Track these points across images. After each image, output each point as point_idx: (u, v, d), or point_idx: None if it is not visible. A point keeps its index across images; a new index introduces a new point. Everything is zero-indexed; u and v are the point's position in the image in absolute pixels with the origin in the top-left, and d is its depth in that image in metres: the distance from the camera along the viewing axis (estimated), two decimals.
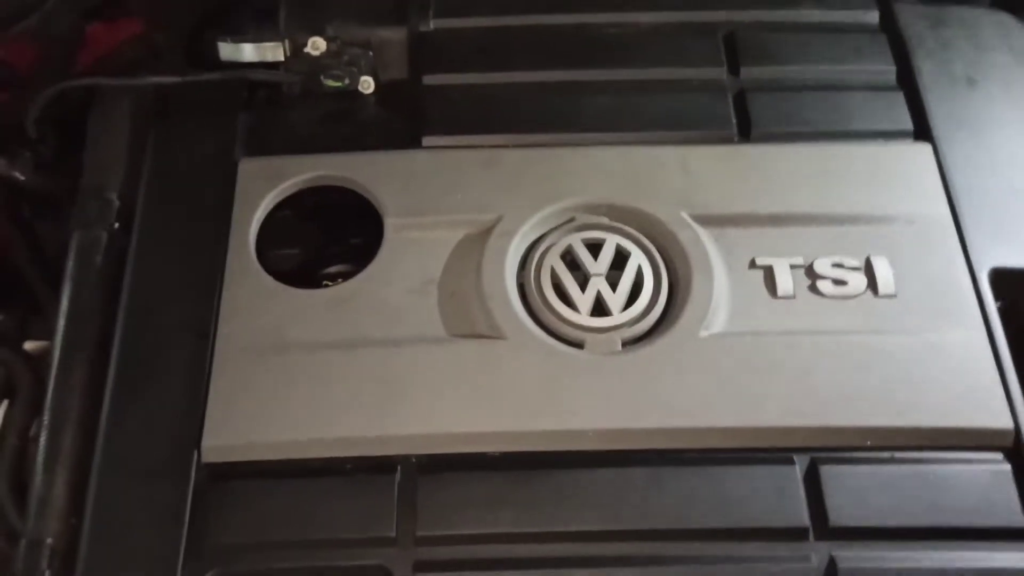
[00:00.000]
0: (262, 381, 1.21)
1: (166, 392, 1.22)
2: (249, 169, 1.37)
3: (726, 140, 1.40)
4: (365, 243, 1.35)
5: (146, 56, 1.58)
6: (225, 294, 1.27)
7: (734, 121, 1.41)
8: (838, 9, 1.51)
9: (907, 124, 1.40)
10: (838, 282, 1.26)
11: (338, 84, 1.45)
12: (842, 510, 1.13)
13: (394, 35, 1.49)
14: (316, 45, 1.46)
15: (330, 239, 1.43)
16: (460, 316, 1.25)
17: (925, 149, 1.37)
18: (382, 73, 1.49)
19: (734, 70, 1.45)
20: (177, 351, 1.25)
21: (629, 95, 1.43)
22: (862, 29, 1.50)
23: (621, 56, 1.47)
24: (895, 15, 1.50)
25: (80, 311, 1.31)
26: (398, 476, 1.15)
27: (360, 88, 1.47)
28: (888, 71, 1.45)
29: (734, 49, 1.47)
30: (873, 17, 1.51)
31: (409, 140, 1.40)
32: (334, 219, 1.42)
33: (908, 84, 1.44)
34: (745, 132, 1.40)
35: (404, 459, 1.16)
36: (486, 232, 1.30)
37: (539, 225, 1.31)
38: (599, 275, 1.26)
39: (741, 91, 1.43)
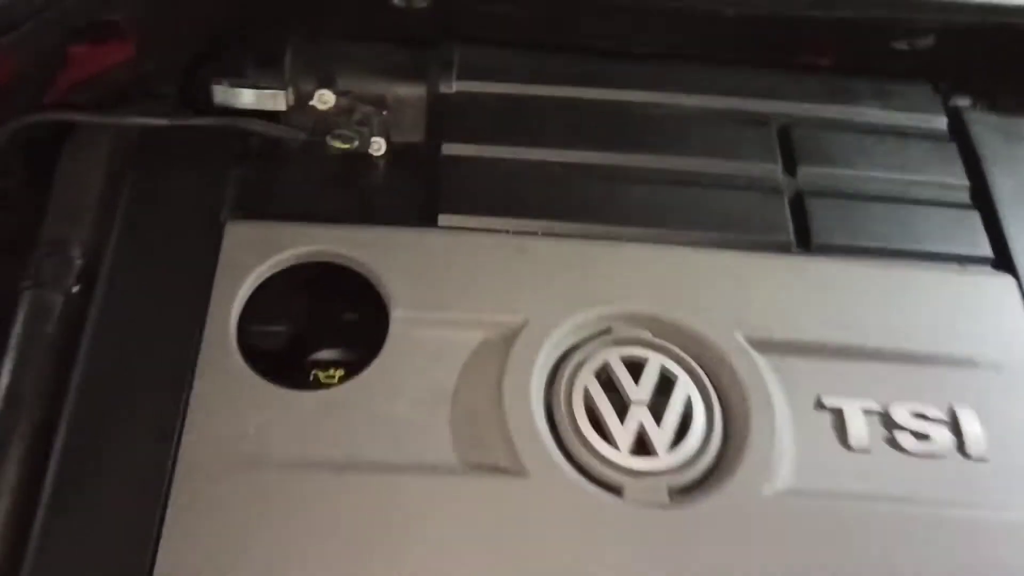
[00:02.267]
0: (232, 503, 0.89)
1: (115, 505, 0.89)
2: (237, 234, 1.04)
3: (782, 248, 1.09)
4: (361, 323, 1.05)
5: (133, 87, 1.22)
6: (196, 387, 0.95)
7: (791, 227, 1.09)
8: (902, 111, 1.21)
9: (985, 249, 1.10)
10: (920, 436, 0.95)
11: (346, 146, 1.11)
12: None
13: (411, 94, 1.17)
14: (324, 99, 1.13)
15: (321, 316, 1.09)
16: (475, 441, 0.93)
17: (1008, 282, 1.07)
18: (395, 135, 1.15)
19: (790, 169, 1.15)
20: (133, 454, 0.92)
21: (672, 187, 1.13)
22: (929, 136, 1.20)
23: (664, 142, 1.16)
24: (966, 124, 1.20)
25: (20, 392, 0.97)
26: None
27: (370, 151, 1.13)
28: (960, 186, 1.15)
29: (790, 145, 1.17)
30: (941, 123, 1.21)
31: (423, 216, 1.09)
32: (327, 293, 1.08)
33: (984, 203, 1.14)
34: (804, 241, 1.10)
35: None
36: (509, 337, 0.98)
37: (571, 334, 0.99)
38: (641, 403, 0.93)
39: (799, 193, 1.13)
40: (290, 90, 1.15)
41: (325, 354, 1.07)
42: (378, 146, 1.15)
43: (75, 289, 1.03)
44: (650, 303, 1.02)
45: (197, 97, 1.17)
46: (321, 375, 1.05)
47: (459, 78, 1.17)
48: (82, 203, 1.09)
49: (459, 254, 1.04)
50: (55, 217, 1.08)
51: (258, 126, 1.13)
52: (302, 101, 1.15)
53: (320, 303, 1.10)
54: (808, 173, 1.14)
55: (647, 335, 1.00)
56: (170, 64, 1.22)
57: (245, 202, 1.08)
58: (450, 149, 1.13)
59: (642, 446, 0.93)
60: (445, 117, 1.16)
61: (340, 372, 1.04)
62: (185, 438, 0.91)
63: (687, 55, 1.27)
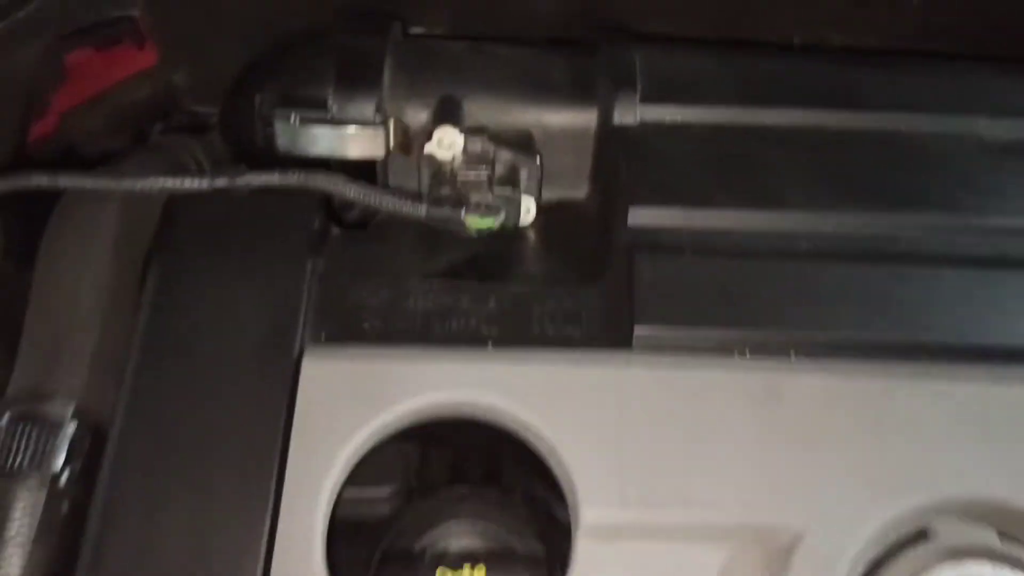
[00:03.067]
0: None
1: None
2: (321, 371, 0.68)
3: None
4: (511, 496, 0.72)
5: (156, 109, 0.88)
6: None
7: None
8: None
9: None
10: None
11: (489, 224, 0.72)
12: None
13: (572, 126, 0.77)
14: (446, 142, 0.73)
15: (448, 483, 0.74)
16: None
17: None
18: (548, 188, 0.76)
19: None
20: None
21: (989, 274, 0.71)
22: None
23: (964, 196, 0.76)
24: None
25: None
26: None
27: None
28: None
29: None
30: None
31: (609, 330, 0.71)
32: (459, 450, 0.73)
33: None
34: None
35: None
36: (777, 555, 0.61)
37: (873, 542, 0.61)
38: None
39: None
40: (392, 123, 0.76)
41: (451, 542, 0.71)
42: (527, 209, 0.77)
43: (64, 475, 0.66)
44: (990, 482, 0.64)
45: (249, 134, 0.79)
46: None
47: (645, 101, 0.78)
48: (72, 323, 0.71)
49: (676, 402, 0.66)
50: (32, 349, 0.71)
51: (352, 191, 0.74)
52: (410, 141, 0.77)
53: (447, 463, 0.73)
54: None
55: (991, 538, 0.62)
56: (207, 78, 0.85)
57: (331, 315, 0.71)
58: (640, 217, 0.74)
59: None
60: (628, 164, 0.77)
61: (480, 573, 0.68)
62: None
63: (908, 50, 0.89)
